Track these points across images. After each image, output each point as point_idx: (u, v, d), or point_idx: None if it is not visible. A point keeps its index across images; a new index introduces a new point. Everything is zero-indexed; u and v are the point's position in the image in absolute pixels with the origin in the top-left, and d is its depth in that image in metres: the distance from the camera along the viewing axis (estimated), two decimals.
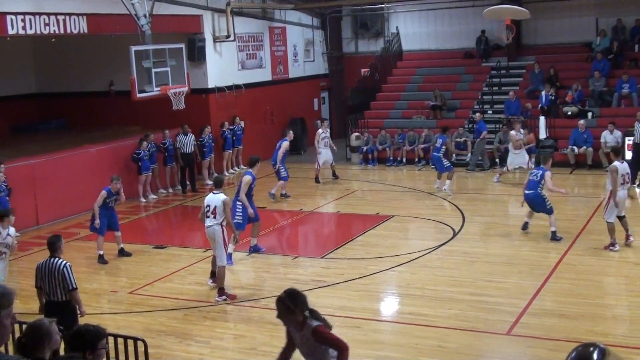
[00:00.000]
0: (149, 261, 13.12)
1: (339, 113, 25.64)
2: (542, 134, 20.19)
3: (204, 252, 12.90)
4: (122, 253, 13.29)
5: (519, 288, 10.70)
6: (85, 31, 16.44)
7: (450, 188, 17.19)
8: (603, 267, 11.68)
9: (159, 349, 8.90)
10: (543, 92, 21.13)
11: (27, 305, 9.83)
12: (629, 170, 12.35)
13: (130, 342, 7.47)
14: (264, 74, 23.30)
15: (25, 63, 22.75)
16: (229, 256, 12.26)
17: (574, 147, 19.42)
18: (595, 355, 3.91)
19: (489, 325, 9.32)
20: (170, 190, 19.09)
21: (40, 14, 15.27)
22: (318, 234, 15.51)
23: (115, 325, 9.43)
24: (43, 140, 19.73)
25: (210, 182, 17.95)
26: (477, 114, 20.91)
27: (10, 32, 14.85)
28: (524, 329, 9.13)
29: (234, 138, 20.97)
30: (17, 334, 6.77)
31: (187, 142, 18.89)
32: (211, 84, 20.82)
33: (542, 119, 20.33)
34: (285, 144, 17.31)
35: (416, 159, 21.22)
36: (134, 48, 15.95)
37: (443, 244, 13.12)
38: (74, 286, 8.21)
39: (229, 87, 21.39)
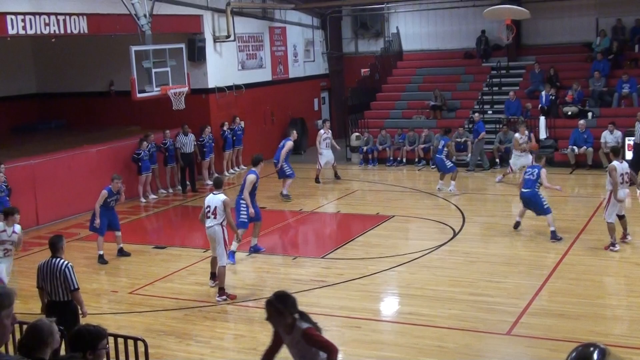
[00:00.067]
0: (149, 261, 13.12)
1: (339, 113, 25.64)
2: (542, 134, 20.19)
3: (204, 252, 12.90)
4: (121, 253, 13.30)
5: (519, 288, 10.71)
6: (85, 31, 16.44)
7: (457, 188, 17.21)
8: (603, 267, 11.69)
9: (159, 349, 8.90)
10: (543, 92, 21.13)
11: (27, 305, 9.85)
12: (628, 170, 12.35)
13: (130, 342, 7.47)
14: (264, 74, 23.31)
15: (25, 63, 22.76)
16: (232, 254, 12.32)
17: (574, 147, 19.42)
18: (595, 355, 3.92)
19: (489, 325, 9.32)
20: (171, 191, 19.09)
21: (40, 14, 15.28)
22: (318, 234, 15.51)
23: (116, 325, 9.43)
24: (43, 140, 19.74)
25: (210, 183, 17.96)
26: (476, 114, 20.91)
27: (10, 32, 14.85)
28: (524, 329, 9.13)
29: (234, 138, 20.97)
30: (17, 334, 6.79)
31: (187, 142, 18.89)
32: (211, 84, 20.82)
33: (542, 119, 20.33)
34: (289, 144, 17.36)
35: (416, 159, 21.23)
36: (134, 48, 15.96)
37: (443, 244, 13.12)
38: (76, 286, 8.21)
39: (229, 87, 21.39)
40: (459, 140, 20.08)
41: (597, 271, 11.49)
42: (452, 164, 17.42)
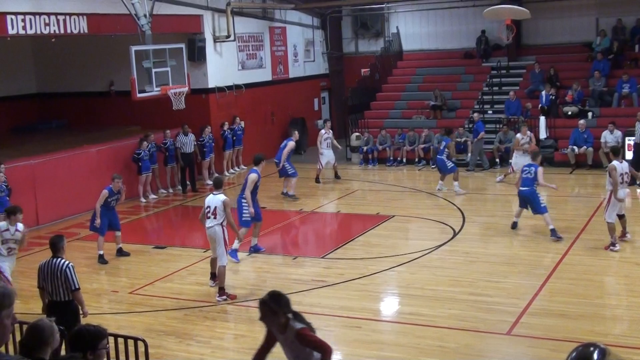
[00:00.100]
0: (149, 261, 13.12)
1: (339, 113, 25.63)
2: (542, 134, 20.19)
3: (204, 252, 12.90)
4: (120, 253, 13.30)
5: (519, 288, 10.71)
6: (85, 31, 16.44)
7: (461, 187, 17.22)
8: (603, 267, 11.69)
9: (160, 349, 8.90)
10: (543, 92, 21.13)
11: (27, 305, 9.85)
12: (628, 170, 12.37)
13: (130, 342, 7.47)
14: (264, 74, 23.31)
15: (25, 63, 22.75)
16: (235, 252, 12.35)
17: (574, 147, 19.42)
18: (595, 355, 3.93)
19: (489, 325, 9.32)
20: (171, 190, 19.09)
21: (40, 14, 15.27)
22: (318, 234, 15.51)
23: (116, 325, 9.44)
24: (43, 140, 19.74)
25: (210, 182, 17.96)
26: (475, 114, 20.91)
27: (11, 32, 14.85)
28: (524, 329, 9.13)
29: (234, 138, 20.97)
30: (18, 334, 6.80)
31: (187, 142, 18.88)
32: (211, 84, 20.82)
33: (542, 119, 20.33)
34: (291, 144, 17.40)
35: (416, 159, 21.23)
36: (134, 48, 15.96)
37: (443, 244, 13.13)
38: (77, 286, 8.22)
39: (229, 87, 21.39)
40: (459, 140, 20.09)
41: (597, 271, 11.49)
42: (452, 165, 17.43)
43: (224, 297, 10.65)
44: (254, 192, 12.72)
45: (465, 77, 24.00)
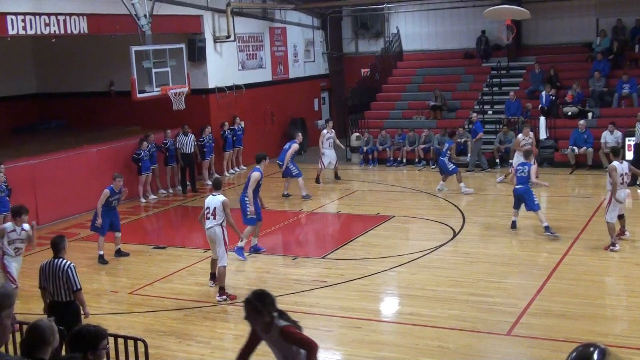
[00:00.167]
0: (149, 261, 13.12)
1: (339, 113, 25.64)
2: (542, 134, 20.18)
3: (204, 252, 12.90)
4: (120, 254, 13.30)
5: (519, 288, 10.71)
6: (86, 31, 16.44)
7: (467, 188, 17.28)
8: (603, 267, 11.69)
9: (160, 349, 8.90)
10: (543, 92, 21.13)
11: (27, 306, 9.86)
12: (628, 170, 12.38)
13: (130, 342, 7.48)
14: (264, 74, 23.31)
15: (25, 63, 22.75)
16: (241, 250, 12.41)
17: (574, 147, 19.42)
18: (595, 355, 3.92)
19: (489, 326, 9.32)
20: (171, 191, 19.09)
21: (40, 14, 15.27)
22: (318, 234, 15.50)
23: (116, 326, 9.44)
24: (43, 140, 19.74)
25: (210, 183, 17.96)
26: (474, 115, 20.90)
27: (11, 32, 14.85)
28: (524, 329, 9.13)
29: (234, 138, 20.98)
30: (18, 334, 6.80)
31: (188, 143, 18.88)
32: (211, 84, 20.82)
33: (542, 119, 20.33)
34: (294, 146, 17.48)
35: (416, 160, 21.23)
36: (134, 48, 15.96)
37: (443, 245, 13.13)
38: (79, 287, 8.22)
39: (229, 88, 21.39)
40: (459, 140, 20.09)
41: (597, 271, 11.49)
42: (454, 166, 17.47)
43: (224, 297, 10.65)
44: (256, 191, 12.77)
45: (465, 77, 24.00)
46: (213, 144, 19.97)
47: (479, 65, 24.12)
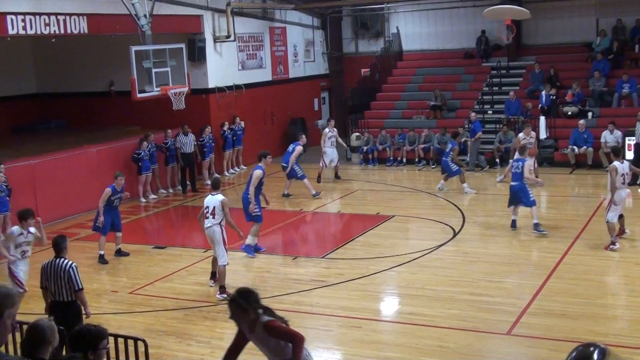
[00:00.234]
0: (149, 261, 13.13)
1: (339, 113, 25.63)
2: (542, 134, 20.18)
3: (204, 252, 12.91)
4: (120, 253, 13.31)
5: (519, 288, 10.72)
6: (86, 31, 16.44)
7: (470, 189, 17.28)
8: (603, 266, 11.70)
9: (160, 349, 8.90)
10: (543, 92, 21.13)
11: (27, 305, 9.84)
12: (628, 170, 12.38)
13: (130, 342, 7.47)
14: (264, 74, 23.30)
15: (25, 63, 22.75)
16: (250, 248, 12.51)
17: (574, 147, 19.42)
18: (595, 355, 3.93)
19: (489, 325, 9.32)
20: (171, 190, 19.10)
21: (40, 14, 15.28)
22: (318, 233, 15.51)
23: (116, 325, 9.45)
24: (43, 140, 19.75)
25: (210, 183, 17.97)
26: (473, 114, 20.90)
27: (11, 32, 14.85)
28: (524, 329, 9.13)
29: (234, 138, 20.98)
30: (18, 334, 6.80)
31: (187, 142, 18.89)
32: (211, 84, 20.82)
33: (542, 119, 20.33)
34: (299, 148, 17.53)
35: (416, 159, 21.23)
36: (134, 48, 15.96)
37: (443, 244, 13.13)
38: (80, 287, 8.22)
39: (229, 87, 21.39)
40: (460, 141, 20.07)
41: (597, 271, 11.49)
42: (457, 167, 17.49)
43: (225, 295, 10.64)
44: (258, 189, 12.80)
45: (465, 77, 24.00)
46: (213, 144, 19.98)
47: (479, 65, 24.11)
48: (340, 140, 19.72)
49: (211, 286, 11.24)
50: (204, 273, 11.73)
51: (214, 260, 11.23)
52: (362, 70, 25.24)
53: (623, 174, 12.17)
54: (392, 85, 24.92)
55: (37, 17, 15.22)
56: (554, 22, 23.82)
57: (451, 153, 17.42)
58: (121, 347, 7.43)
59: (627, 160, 13.87)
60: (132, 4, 16.02)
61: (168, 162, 18.93)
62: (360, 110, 23.68)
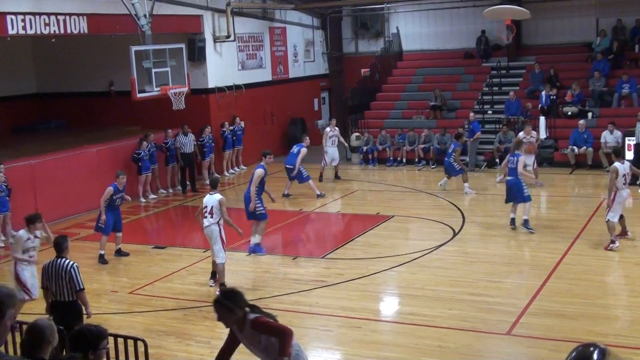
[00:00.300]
0: (149, 261, 13.13)
1: (339, 113, 25.61)
2: (542, 134, 20.17)
3: (204, 252, 12.91)
4: (120, 253, 13.31)
5: (519, 288, 10.72)
6: (85, 31, 16.45)
7: (470, 189, 17.27)
8: (603, 267, 11.70)
9: (159, 349, 8.91)
10: (543, 92, 21.13)
11: (27, 305, 9.82)
12: (629, 171, 12.39)
13: (130, 342, 7.47)
14: (264, 74, 23.31)
15: (25, 63, 22.75)
16: (258, 246, 12.62)
17: (574, 147, 19.42)
18: (595, 355, 3.92)
19: (489, 325, 9.32)
20: (171, 190, 19.10)
21: (40, 14, 15.28)
22: (318, 234, 15.51)
23: (116, 325, 9.45)
24: (43, 140, 19.75)
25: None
26: (471, 114, 20.89)
27: (10, 32, 14.85)
28: (524, 329, 9.14)
29: (234, 138, 20.98)
30: (18, 334, 6.80)
31: (187, 142, 18.89)
32: (211, 84, 20.82)
33: (542, 119, 20.32)
34: (303, 150, 17.51)
35: (416, 159, 21.22)
36: (134, 48, 15.96)
37: (443, 244, 13.12)
38: (82, 287, 8.22)
39: (229, 87, 21.40)
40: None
41: (597, 271, 11.49)
42: (460, 167, 17.51)
43: None
44: (260, 188, 12.80)
45: (465, 77, 24.00)
46: (213, 144, 19.98)
47: (478, 65, 24.11)
48: (342, 139, 19.74)
49: (211, 286, 11.24)
50: (204, 273, 11.73)
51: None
52: (362, 70, 25.22)
53: (624, 175, 12.18)
54: (392, 85, 24.92)
55: (37, 17, 15.22)
56: (553, 22, 23.82)
57: (453, 154, 17.43)
58: (121, 347, 7.43)
59: (628, 160, 13.86)
60: (132, 4, 16.02)
61: (168, 162, 18.94)
62: (360, 110, 23.68)
